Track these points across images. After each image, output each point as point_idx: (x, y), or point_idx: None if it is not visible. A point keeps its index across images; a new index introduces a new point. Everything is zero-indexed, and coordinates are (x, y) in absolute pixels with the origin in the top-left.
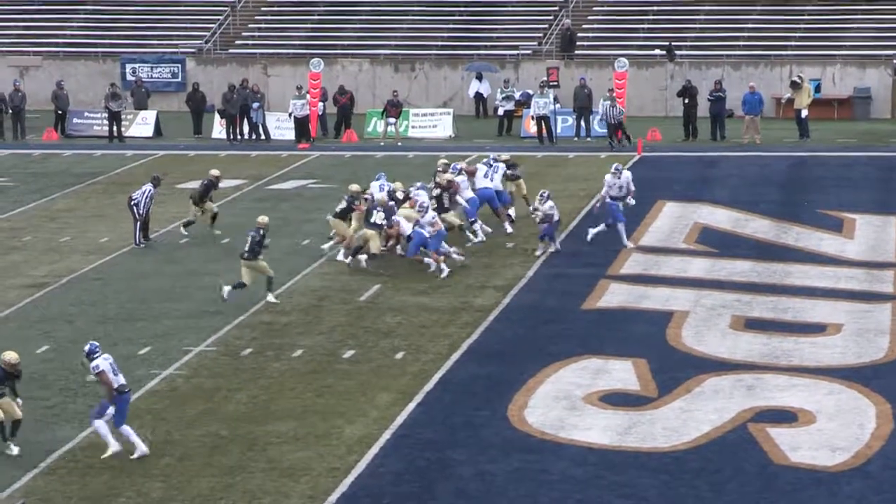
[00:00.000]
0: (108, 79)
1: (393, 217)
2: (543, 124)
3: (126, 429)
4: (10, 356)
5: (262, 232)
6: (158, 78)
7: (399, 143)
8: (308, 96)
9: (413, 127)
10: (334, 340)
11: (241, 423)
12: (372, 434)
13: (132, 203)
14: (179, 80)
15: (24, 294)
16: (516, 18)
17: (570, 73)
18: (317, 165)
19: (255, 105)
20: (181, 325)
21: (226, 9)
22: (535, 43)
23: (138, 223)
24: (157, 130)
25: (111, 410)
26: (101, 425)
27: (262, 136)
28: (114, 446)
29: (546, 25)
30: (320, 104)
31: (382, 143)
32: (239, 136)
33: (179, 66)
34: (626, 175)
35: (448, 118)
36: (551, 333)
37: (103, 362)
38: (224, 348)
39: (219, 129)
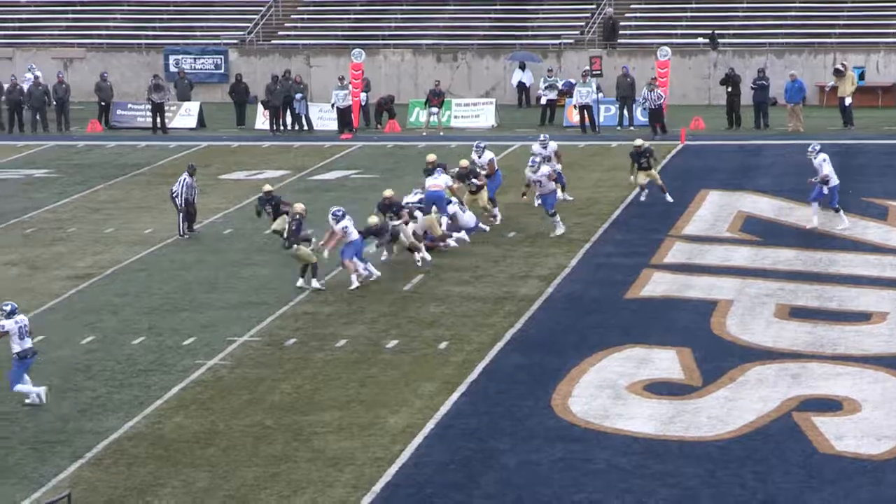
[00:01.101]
0: (152, 70)
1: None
2: (586, 113)
3: (20, 387)
4: None
5: (297, 218)
6: (201, 69)
7: (441, 133)
8: (350, 87)
9: (455, 117)
10: (378, 330)
11: (286, 413)
12: (416, 424)
13: (173, 195)
14: (222, 71)
15: (68, 285)
16: (559, 7)
17: (612, 62)
18: (359, 156)
19: (298, 96)
20: (225, 316)
21: (269, 0)
22: (578, 32)
23: (181, 214)
24: (201, 122)
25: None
26: (21, 388)
27: (305, 127)
28: (38, 390)
29: (588, 14)
30: (362, 94)
31: (425, 133)
32: (282, 127)
33: (222, 57)
34: (552, 146)
35: (490, 108)
36: (595, 323)
37: (11, 324)
38: (268, 339)
39: (262, 120)
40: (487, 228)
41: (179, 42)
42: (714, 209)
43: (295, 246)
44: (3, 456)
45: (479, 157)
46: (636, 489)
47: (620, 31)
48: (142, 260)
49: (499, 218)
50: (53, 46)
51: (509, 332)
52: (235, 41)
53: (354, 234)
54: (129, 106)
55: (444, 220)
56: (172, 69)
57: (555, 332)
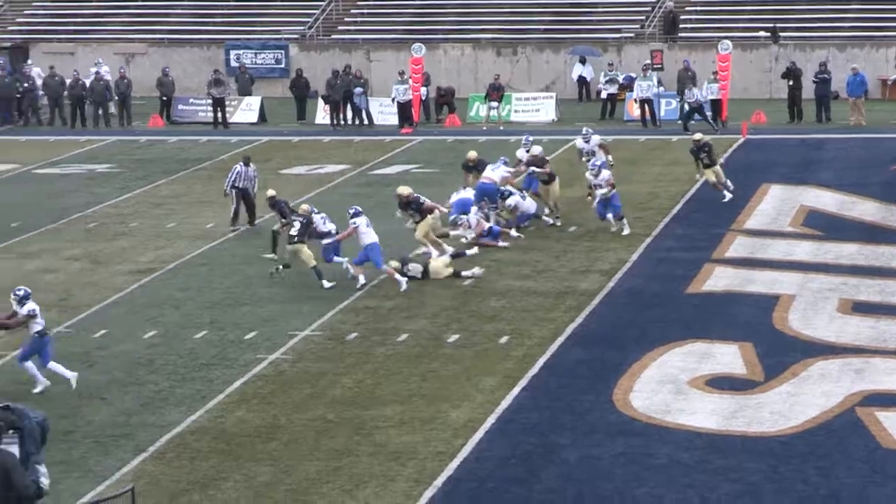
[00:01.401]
0: (213, 65)
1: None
2: (647, 107)
3: (53, 365)
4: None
5: (303, 220)
6: (262, 64)
7: (501, 128)
8: (410, 81)
9: (515, 111)
10: (439, 325)
11: (348, 407)
12: (477, 418)
13: (228, 186)
14: (283, 66)
15: (131, 279)
16: (619, 1)
17: (673, 56)
18: (420, 150)
19: (358, 90)
20: (286, 310)
21: None
22: (638, 26)
23: (234, 207)
24: (262, 116)
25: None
26: (29, 366)
27: (366, 122)
28: (43, 382)
29: (649, 8)
30: (423, 89)
31: (485, 128)
32: (342, 122)
33: (283, 52)
34: (595, 139)
35: (551, 102)
36: (656, 317)
37: (35, 305)
38: (329, 333)
39: (322, 115)
40: (550, 220)
41: (241, 37)
42: (776, 203)
43: (297, 245)
44: (67, 450)
45: (528, 151)
46: (698, 484)
47: (681, 25)
48: (203, 254)
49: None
50: (115, 42)
51: (570, 326)
52: (296, 36)
53: (369, 238)
54: (191, 101)
55: (493, 214)
56: (233, 64)
57: (616, 326)
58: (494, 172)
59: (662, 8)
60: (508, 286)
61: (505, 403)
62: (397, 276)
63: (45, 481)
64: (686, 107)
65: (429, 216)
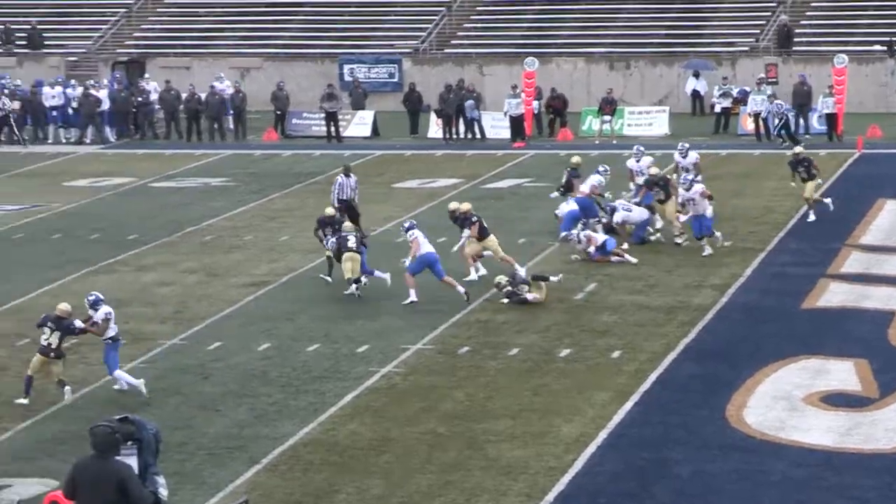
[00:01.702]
0: (327, 79)
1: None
2: (761, 121)
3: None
4: None
5: (345, 235)
6: (376, 78)
7: (614, 142)
8: (523, 95)
9: (628, 125)
10: (550, 339)
11: (459, 420)
12: (589, 433)
13: (336, 202)
14: (396, 80)
15: (245, 292)
16: (733, 15)
17: (787, 70)
18: (532, 164)
19: (470, 103)
20: (398, 324)
21: (442, 9)
22: (753, 39)
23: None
24: (375, 130)
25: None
26: (120, 374)
27: (478, 135)
28: (138, 384)
29: (763, 22)
30: (535, 103)
31: (597, 142)
32: (455, 136)
33: (396, 66)
34: (692, 156)
35: (664, 116)
36: (770, 333)
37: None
38: (441, 346)
39: (435, 129)
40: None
41: (355, 51)
42: (892, 218)
43: (353, 254)
44: (182, 461)
45: (638, 161)
46: (812, 501)
47: (795, 39)
48: (317, 268)
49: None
50: (231, 56)
51: (683, 341)
52: (410, 50)
53: (424, 248)
54: (305, 115)
55: (599, 226)
56: (347, 78)
57: (729, 341)
58: (585, 185)
59: (777, 22)
60: (620, 301)
61: (617, 418)
62: (458, 287)
63: (163, 492)
64: (776, 120)
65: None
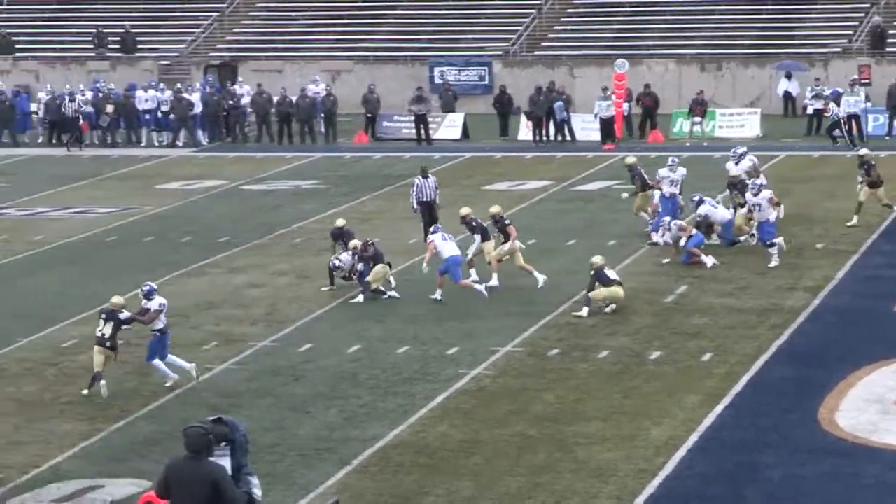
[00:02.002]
0: (417, 82)
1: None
2: (854, 123)
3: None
4: None
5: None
6: (466, 81)
7: (705, 143)
8: (613, 97)
9: (720, 127)
10: (640, 341)
11: (549, 423)
12: (679, 436)
13: (416, 203)
14: (486, 82)
15: (336, 294)
16: (826, 16)
17: (881, 71)
18: (622, 166)
19: (559, 104)
20: (488, 326)
21: (532, 11)
22: (845, 41)
23: (423, 222)
24: (465, 133)
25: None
26: (158, 364)
27: (568, 138)
28: (171, 376)
29: (856, 23)
30: (625, 105)
31: (688, 143)
32: (545, 138)
33: (486, 68)
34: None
35: (755, 117)
36: (863, 335)
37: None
38: (531, 349)
39: (525, 131)
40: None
41: (445, 54)
42: None
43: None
44: (273, 462)
45: (736, 164)
46: None
47: (889, 40)
48: (406, 269)
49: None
50: (322, 59)
51: (775, 343)
52: (500, 53)
53: (449, 251)
54: (395, 118)
55: (673, 224)
56: (437, 81)
57: (822, 344)
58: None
59: (870, 22)
60: (711, 303)
61: (707, 421)
62: (475, 286)
63: (257, 492)
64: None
65: (514, 241)
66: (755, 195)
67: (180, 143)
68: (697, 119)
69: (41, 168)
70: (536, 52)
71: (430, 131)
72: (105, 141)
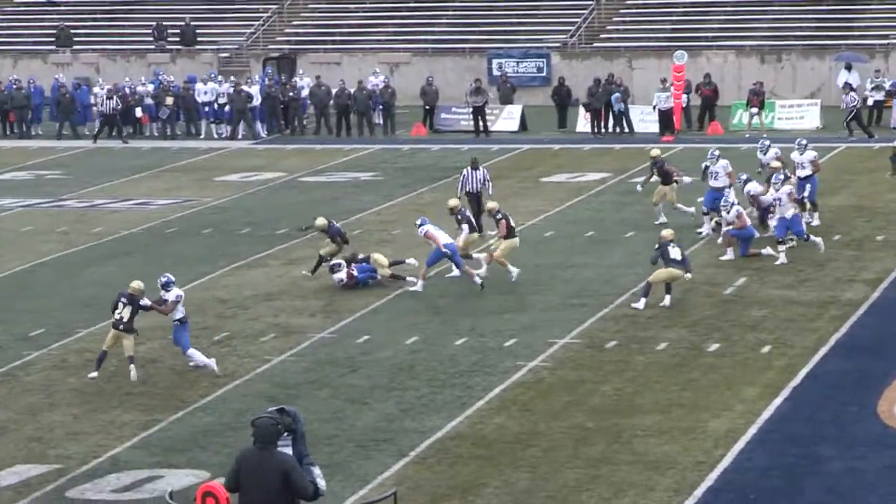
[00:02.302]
0: (475, 74)
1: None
2: None
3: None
4: None
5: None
6: (524, 73)
7: (764, 135)
8: (672, 89)
9: (779, 118)
10: (699, 334)
11: (607, 415)
12: (738, 428)
13: (462, 194)
14: (544, 74)
15: (393, 286)
16: (887, 7)
17: None
18: (681, 158)
19: (616, 97)
20: (546, 318)
21: (591, 2)
22: None
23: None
24: (523, 125)
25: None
26: (193, 353)
27: (626, 129)
28: (210, 363)
29: None
30: (684, 96)
31: (747, 135)
32: (603, 130)
33: (544, 60)
34: (809, 154)
35: (815, 109)
36: None
37: (180, 291)
38: (588, 340)
39: (583, 123)
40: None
41: (503, 46)
42: None
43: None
44: (331, 453)
45: (801, 155)
46: None
47: None
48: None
49: (815, 221)
50: (380, 51)
51: (834, 336)
52: (558, 44)
53: (443, 240)
54: (453, 109)
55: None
56: (495, 73)
57: (882, 337)
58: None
59: None
60: (770, 295)
61: (766, 414)
62: (476, 277)
63: (321, 482)
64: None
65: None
66: (777, 189)
67: (239, 136)
68: (754, 110)
69: (100, 160)
70: (595, 44)
71: (488, 123)
72: (165, 133)
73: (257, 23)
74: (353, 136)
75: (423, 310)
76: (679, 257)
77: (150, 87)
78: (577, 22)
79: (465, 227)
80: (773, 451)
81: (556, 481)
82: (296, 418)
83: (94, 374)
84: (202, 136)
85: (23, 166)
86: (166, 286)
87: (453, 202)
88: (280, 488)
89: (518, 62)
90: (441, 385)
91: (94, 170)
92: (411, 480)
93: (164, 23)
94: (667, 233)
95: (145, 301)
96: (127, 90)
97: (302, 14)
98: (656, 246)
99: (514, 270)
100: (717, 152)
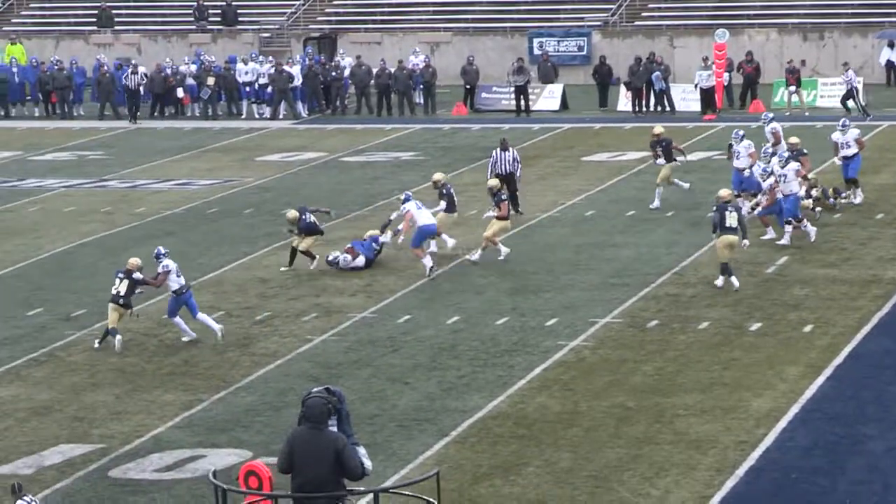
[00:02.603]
0: (516, 53)
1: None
2: None
3: (202, 316)
4: None
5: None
6: (565, 52)
7: (806, 113)
8: (714, 67)
9: (821, 97)
10: (741, 313)
11: (648, 394)
12: (780, 407)
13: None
14: (585, 53)
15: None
16: None
17: None
18: (723, 136)
19: (657, 75)
20: (587, 297)
21: None
22: None
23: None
24: (564, 104)
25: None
26: (178, 321)
27: (668, 108)
28: (189, 334)
29: None
30: (726, 75)
31: (788, 114)
32: (644, 109)
33: (585, 39)
34: (854, 132)
35: (858, 87)
36: None
37: (172, 264)
38: (630, 320)
39: (624, 102)
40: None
41: (544, 25)
42: None
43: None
44: (373, 433)
45: (844, 135)
46: None
47: None
48: (505, 242)
49: (858, 199)
50: (421, 31)
51: (877, 315)
52: (599, 23)
53: (422, 220)
54: (494, 89)
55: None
56: (536, 52)
57: None
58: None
59: None
60: (812, 274)
61: (808, 393)
62: (425, 259)
63: (367, 462)
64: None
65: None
66: (782, 166)
67: (280, 116)
68: (792, 88)
69: (142, 140)
70: (636, 23)
71: (530, 102)
72: (206, 113)
73: (298, 2)
74: (393, 115)
75: (464, 289)
76: (735, 223)
77: (193, 68)
78: (619, 0)
79: (443, 203)
80: (816, 430)
81: (598, 461)
82: (340, 398)
83: (98, 344)
84: (243, 116)
85: (65, 147)
86: (157, 257)
87: (438, 175)
88: (333, 467)
89: (559, 41)
90: (482, 364)
91: (136, 150)
92: (452, 460)
93: (205, 3)
94: (725, 193)
95: (137, 275)
96: (168, 70)
97: None
98: (713, 208)
99: (505, 250)
100: (741, 132)
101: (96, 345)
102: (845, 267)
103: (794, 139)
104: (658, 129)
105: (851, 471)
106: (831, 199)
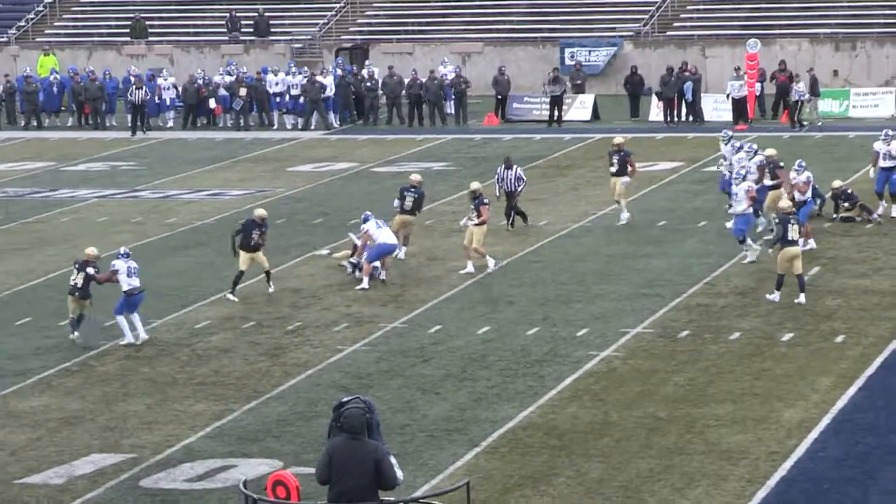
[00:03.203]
0: (547, 64)
1: None
2: None
3: (121, 319)
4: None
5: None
6: (596, 61)
7: (819, 124)
8: (745, 77)
9: (854, 107)
10: (772, 323)
11: (679, 405)
12: (812, 418)
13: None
14: (616, 63)
15: (465, 276)
16: None
17: None
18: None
19: (687, 86)
20: (618, 307)
21: None
22: None
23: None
24: (595, 114)
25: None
26: (120, 320)
27: (699, 118)
28: (128, 337)
29: None
30: (758, 85)
31: (820, 124)
32: (676, 119)
33: (617, 49)
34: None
35: (890, 97)
36: None
37: (122, 264)
38: (661, 330)
39: (656, 112)
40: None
41: (576, 35)
42: None
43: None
44: (403, 443)
45: (888, 145)
46: None
47: None
48: (536, 252)
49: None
50: (452, 41)
51: None
52: (631, 33)
53: (381, 238)
54: (526, 99)
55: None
56: (568, 62)
57: None
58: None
59: None
60: (844, 284)
61: (840, 403)
62: (366, 278)
63: (399, 472)
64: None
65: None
66: (737, 184)
67: (312, 126)
68: (806, 97)
69: (174, 151)
70: (668, 33)
71: (562, 113)
72: (238, 124)
73: (330, 13)
74: (425, 125)
75: (494, 300)
76: (797, 236)
77: (227, 79)
78: (650, 10)
79: (397, 203)
80: (847, 440)
81: (629, 471)
82: (371, 408)
83: (74, 335)
84: (275, 127)
85: (98, 157)
86: (118, 257)
87: (416, 177)
88: (372, 477)
89: (590, 51)
90: (513, 375)
91: (168, 160)
92: (483, 470)
93: (238, 14)
94: (785, 205)
95: (90, 269)
96: (200, 81)
97: (374, 4)
98: (776, 220)
99: (492, 262)
100: (755, 146)
101: (73, 336)
102: (877, 277)
103: (770, 151)
104: (618, 139)
105: (883, 481)
106: (834, 215)
